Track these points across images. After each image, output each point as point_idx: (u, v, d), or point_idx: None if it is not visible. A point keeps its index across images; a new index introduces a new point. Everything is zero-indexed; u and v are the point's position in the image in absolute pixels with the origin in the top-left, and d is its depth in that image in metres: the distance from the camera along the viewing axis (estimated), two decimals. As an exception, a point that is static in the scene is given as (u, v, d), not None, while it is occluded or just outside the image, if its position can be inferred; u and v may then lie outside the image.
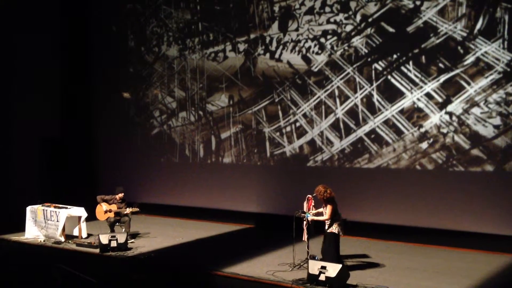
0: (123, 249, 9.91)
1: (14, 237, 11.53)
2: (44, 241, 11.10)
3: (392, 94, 10.77)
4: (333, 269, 7.45)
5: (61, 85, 15.29)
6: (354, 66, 11.18)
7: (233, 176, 13.08)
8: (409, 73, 10.56)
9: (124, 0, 14.98)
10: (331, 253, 8.18)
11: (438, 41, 10.21)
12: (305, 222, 8.61)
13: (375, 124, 10.99)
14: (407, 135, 10.65)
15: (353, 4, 11.14)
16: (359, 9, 11.07)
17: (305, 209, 8.68)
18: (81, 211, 11.20)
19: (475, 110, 9.90)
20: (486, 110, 9.81)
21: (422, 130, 10.47)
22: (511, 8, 9.48)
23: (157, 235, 11.57)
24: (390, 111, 10.81)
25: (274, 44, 12.26)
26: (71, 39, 15.40)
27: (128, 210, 10.81)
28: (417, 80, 10.48)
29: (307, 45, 11.77)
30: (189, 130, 13.88)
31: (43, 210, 11.30)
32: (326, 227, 8.32)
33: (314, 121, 11.77)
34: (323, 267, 7.54)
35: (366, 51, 11.02)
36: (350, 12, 11.18)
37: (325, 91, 11.58)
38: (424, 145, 10.46)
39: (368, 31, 10.99)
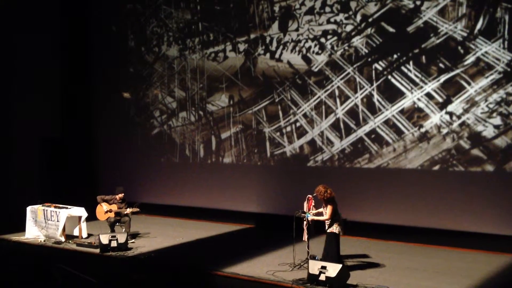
0: (123, 249, 9.90)
1: (15, 237, 11.53)
2: (44, 241, 11.10)
3: (392, 94, 10.77)
4: (333, 269, 7.45)
5: (61, 85, 15.29)
6: (354, 66, 11.18)
7: (233, 176, 13.07)
8: (409, 73, 10.56)
9: (124, 0, 14.97)
10: (331, 253, 8.18)
11: (438, 41, 10.21)
12: (305, 222, 8.61)
13: (375, 124, 10.99)
14: (408, 135, 10.65)
15: (353, 4, 11.13)
16: (359, 9, 11.07)
17: (305, 209, 8.68)
18: (81, 211, 11.20)
19: (476, 110, 9.90)
20: (486, 110, 9.81)
21: (423, 130, 10.47)
22: (511, 8, 9.48)
23: (157, 235, 11.57)
24: (391, 111, 10.81)
25: (274, 44, 12.26)
26: (71, 39, 15.40)
27: (128, 210, 10.81)
28: (417, 80, 10.48)
29: (307, 45, 11.77)
30: (189, 130, 13.88)
31: (44, 210, 11.29)
32: (326, 227, 8.32)
33: (314, 121, 11.77)
34: (323, 267, 7.54)
35: (366, 51, 11.02)
36: (350, 12, 11.18)
37: (325, 91, 11.58)
38: (424, 145, 10.46)
39: (368, 31, 10.99)
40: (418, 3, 10.37)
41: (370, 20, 10.96)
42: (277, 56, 12.23)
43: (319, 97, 11.67)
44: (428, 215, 10.35)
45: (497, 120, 9.71)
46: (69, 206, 11.29)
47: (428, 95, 10.38)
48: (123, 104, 15.17)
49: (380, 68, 10.87)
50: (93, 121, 15.76)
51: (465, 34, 9.93)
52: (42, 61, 14.70)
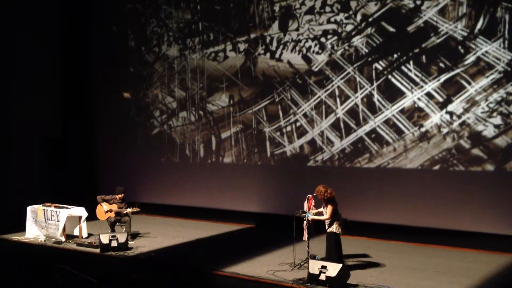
0: (123, 249, 9.90)
1: (15, 237, 11.53)
2: (44, 241, 11.10)
3: (392, 94, 10.77)
4: (333, 269, 7.45)
5: (61, 85, 15.29)
6: (355, 65, 11.17)
7: (234, 176, 13.07)
8: (409, 73, 10.55)
9: (124, 0, 14.97)
10: (331, 252, 8.18)
11: (438, 40, 10.20)
12: (305, 222, 8.60)
13: (376, 124, 10.98)
14: (408, 135, 10.64)
15: (353, 4, 11.13)
16: (360, 9, 11.07)
17: (305, 208, 8.67)
18: (81, 211, 11.20)
19: (476, 110, 9.90)
20: (486, 109, 9.80)
21: (423, 129, 10.46)
22: (511, 7, 9.50)
23: (157, 235, 11.57)
24: (391, 111, 10.80)
25: (275, 43, 12.25)
26: (71, 39, 15.39)
27: (128, 210, 10.81)
28: (417, 80, 10.48)
29: (307, 44, 11.77)
30: (189, 130, 13.88)
31: (44, 210, 11.29)
32: (327, 227, 8.32)
33: (314, 121, 11.76)
34: (324, 267, 7.54)
35: (367, 50, 11.02)
36: (351, 12, 11.17)
37: (326, 91, 11.58)
38: (425, 144, 10.46)
39: (369, 30, 10.98)
40: (418, 2, 10.37)
41: (370, 19, 10.95)
42: (277, 56, 12.23)
43: (319, 96, 11.67)
44: (428, 215, 10.35)
45: (498, 120, 9.71)
46: (69, 206, 11.29)
47: (428, 94, 10.37)
48: (123, 104, 15.17)
49: (380, 68, 10.87)
50: (93, 121, 15.76)
51: (465, 34, 9.93)
52: (42, 61, 14.69)
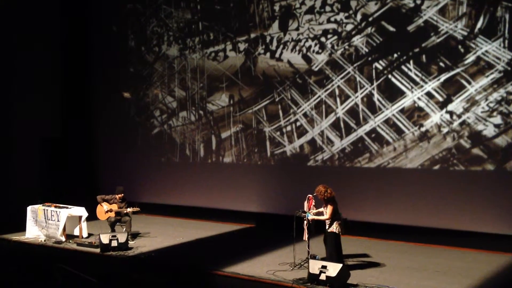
0: (123, 249, 9.90)
1: (15, 237, 11.54)
2: (44, 241, 11.11)
3: (392, 93, 10.76)
4: (333, 269, 7.44)
5: (61, 85, 15.29)
6: (355, 65, 11.17)
7: (234, 176, 13.07)
8: (409, 72, 10.55)
9: (124, 0, 14.97)
10: (331, 252, 8.18)
11: (438, 40, 10.19)
12: (305, 222, 8.60)
13: (376, 124, 10.98)
14: (408, 135, 10.63)
15: (353, 3, 11.12)
16: (360, 8, 11.06)
17: (305, 208, 8.67)
18: (81, 211, 11.20)
19: (476, 109, 9.89)
20: (486, 109, 9.80)
21: (423, 129, 10.46)
22: (511, 7, 9.49)
23: (158, 235, 11.57)
24: (391, 110, 10.80)
25: (275, 43, 12.25)
26: (71, 39, 15.39)
27: (128, 210, 10.81)
28: (417, 79, 10.47)
29: (307, 44, 11.76)
30: (189, 129, 13.87)
31: (44, 209, 11.29)
32: (327, 227, 8.31)
33: (314, 121, 11.76)
34: (324, 267, 7.54)
35: (367, 50, 11.01)
36: (351, 11, 11.17)
37: (326, 91, 11.57)
38: (425, 144, 10.45)
39: (369, 30, 10.98)
40: (418, 2, 10.36)
41: (370, 19, 10.95)
42: (277, 55, 12.22)
43: (319, 96, 11.66)
44: (428, 215, 10.34)
45: (498, 119, 9.70)
46: (69, 206, 11.29)
47: (429, 94, 10.36)
48: (123, 104, 15.16)
49: (381, 67, 10.86)
50: (93, 121, 15.76)
51: (465, 33, 9.92)
52: (42, 61, 14.69)
